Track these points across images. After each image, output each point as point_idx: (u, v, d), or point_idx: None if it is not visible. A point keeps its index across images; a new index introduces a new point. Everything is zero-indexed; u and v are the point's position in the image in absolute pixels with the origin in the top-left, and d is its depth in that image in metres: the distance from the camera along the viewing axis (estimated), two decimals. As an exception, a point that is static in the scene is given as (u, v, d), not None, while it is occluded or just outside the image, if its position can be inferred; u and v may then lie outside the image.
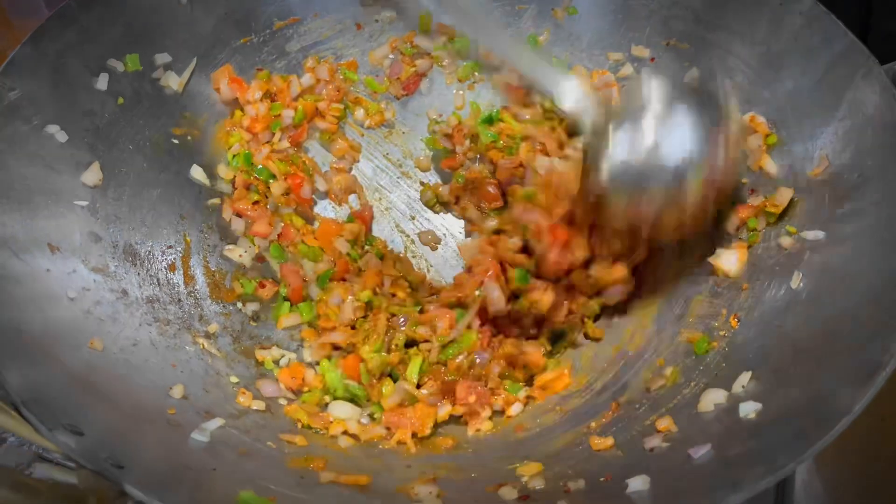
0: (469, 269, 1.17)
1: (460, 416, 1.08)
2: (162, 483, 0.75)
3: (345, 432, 1.02)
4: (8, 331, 0.84)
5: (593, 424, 1.01)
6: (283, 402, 1.06)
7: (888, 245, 0.90)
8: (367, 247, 1.27)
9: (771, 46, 1.14)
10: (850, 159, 1.01)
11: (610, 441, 0.95)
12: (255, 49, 1.34)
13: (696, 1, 1.22)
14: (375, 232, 1.34)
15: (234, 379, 1.06)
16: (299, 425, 1.02)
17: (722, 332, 1.03)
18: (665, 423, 0.93)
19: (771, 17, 1.14)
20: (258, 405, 1.02)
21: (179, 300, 1.12)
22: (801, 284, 0.98)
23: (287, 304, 1.20)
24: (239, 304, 1.19)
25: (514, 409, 1.09)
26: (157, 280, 1.12)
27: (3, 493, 0.59)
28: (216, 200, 1.24)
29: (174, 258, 1.16)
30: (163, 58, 1.23)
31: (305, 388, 1.10)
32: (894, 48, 1.03)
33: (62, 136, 1.09)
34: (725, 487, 0.73)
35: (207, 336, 1.10)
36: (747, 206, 1.11)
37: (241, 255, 1.23)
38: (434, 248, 1.31)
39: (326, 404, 1.08)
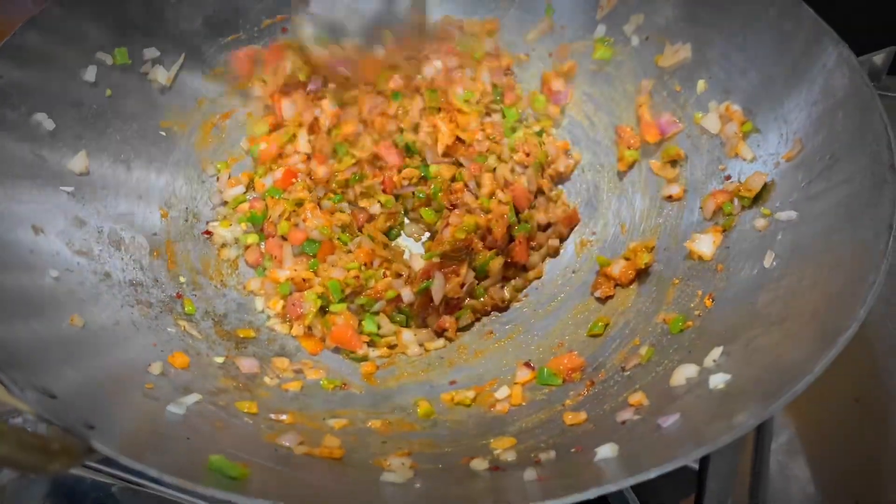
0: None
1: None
2: (132, 445, 0.76)
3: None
4: (-17, 295, 0.86)
5: (568, 402, 1.01)
6: (267, 379, 1.07)
7: (855, 220, 0.91)
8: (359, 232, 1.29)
9: (747, 37, 1.16)
10: (822, 141, 1.02)
11: (583, 416, 0.96)
12: (243, 46, 1.36)
13: (675, -5, 1.25)
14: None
15: (218, 359, 1.08)
16: (245, 410, 1.00)
17: (697, 312, 1.04)
18: (637, 398, 0.94)
19: (747, 10, 1.16)
20: (236, 383, 1.03)
21: (162, 285, 1.14)
22: (774, 263, 0.99)
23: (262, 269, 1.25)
24: (221, 289, 1.20)
25: (501, 394, 1.09)
26: (141, 265, 1.14)
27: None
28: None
29: (159, 245, 1.18)
30: (151, 52, 1.26)
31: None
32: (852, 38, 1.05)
33: (49, 125, 1.11)
34: (689, 445, 0.74)
35: (189, 318, 1.11)
36: (723, 192, 1.12)
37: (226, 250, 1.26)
38: (417, 239, 1.33)
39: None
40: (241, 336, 1.15)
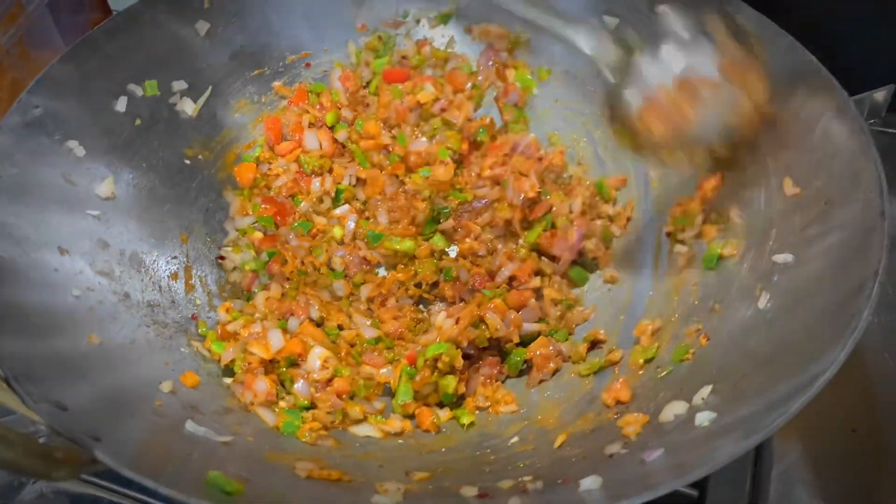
0: None
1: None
2: (136, 459, 0.80)
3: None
4: (7, 308, 0.92)
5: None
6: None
7: (846, 265, 0.93)
8: None
9: (748, 81, 1.19)
10: (820, 187, 1.04)
11: (578, 450, 0.98)
12: (267, 80, 1.43)
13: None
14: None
15: (227, 380, 1.12)
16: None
17: (692, 351, 1.06)
18: (627, 432, 0.96)
19: (752, 55, 1.18)
20: (241, 404, 1.08)
21: (178, 306, 1.19)
22: (768, 304, 1.01)
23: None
24: (233, 312, 1.25)
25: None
26: (159, 287, 1.19)
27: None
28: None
29: (177, 268, 1.24)
30: (179, 84, 1.33)
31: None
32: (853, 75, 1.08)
33: (80, 151, 1.18)
34: (669, 476, 0.77)
35: (201, 339, 1.16)
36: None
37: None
38: None
39: None
40: None
